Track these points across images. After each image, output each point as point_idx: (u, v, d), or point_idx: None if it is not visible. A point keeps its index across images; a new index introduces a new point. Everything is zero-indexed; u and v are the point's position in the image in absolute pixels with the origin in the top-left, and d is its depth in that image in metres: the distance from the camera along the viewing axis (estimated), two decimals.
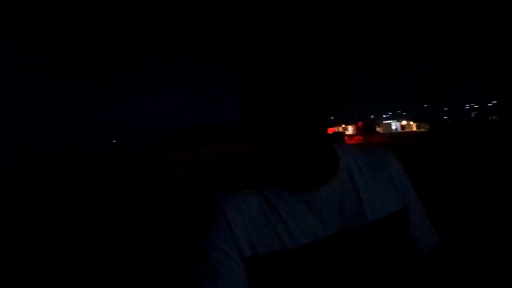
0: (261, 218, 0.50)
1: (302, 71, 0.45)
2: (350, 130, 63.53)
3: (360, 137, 38.80)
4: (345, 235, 0.50)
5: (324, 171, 0.52)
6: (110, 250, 4.05)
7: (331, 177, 0.52)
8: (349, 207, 0.52)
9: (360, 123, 63.08)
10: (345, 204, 0.52)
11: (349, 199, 0.52)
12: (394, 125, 70.04)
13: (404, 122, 71.76)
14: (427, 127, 55.30)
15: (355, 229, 0.50)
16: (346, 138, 36.21)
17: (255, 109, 0.47)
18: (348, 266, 0.49)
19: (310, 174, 0.51)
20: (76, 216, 6.66)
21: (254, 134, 0.48)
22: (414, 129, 62.44)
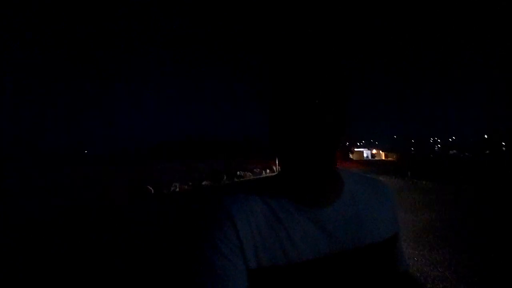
0: (266, 227, 0.50)
1: (329, 93, 0.48)
2: None
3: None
4: (347, 253, 0.51)
5: (332, 191, 0.54)
6: (110, 256, 4.05)
7: (335, 197, 0.54)
8: (350, 227, 0.53)
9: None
10: (348, 224, 0.53)
11: (351, 220, 0.54)
12: (366, 153, 74.01)
13: (374, 151, 76.22)
14: (395, 156, 58.96)
15: (355, 249, 0.52)
16: None
17: (279, 125, 0.48)
18: (349, 284, 0.50)
19: (320, 191, 0.52)
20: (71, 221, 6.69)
21: (272, 148, 0.50)
22: (383, 157, 66.13)
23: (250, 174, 19.94)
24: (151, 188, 12.21)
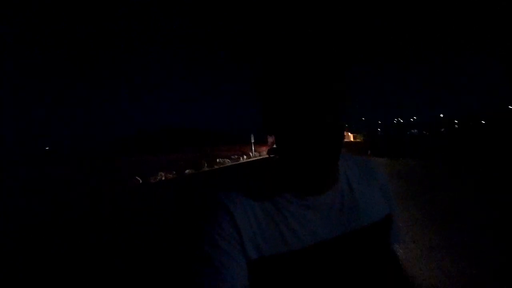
0: (265, 218, 0.50)
1: (329, 75, 0.46)
2: None
3: None
4: (347, 237, 0.52)
5: (330, 177, 0.54)
6: (107, 252, 4.03)
7: (333, 182, 0.55)
8: (348, 211, 0.54)
9: None
10: (345, 208, 0.54)
11: (348, 204, 0.55)
12: None
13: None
14: (362, 137, 62.99)
15: (355, 231, 0.53)
16: None
17: (276, 112, 0.48)
18: (351, 267, 0.51)
19: (320, 179, 0.53)
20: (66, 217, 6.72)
21: (269, 135, 0.51)
22: (352, 139, 70.17)
23: (229, 160, 21.16)
24: (139, 179, 13.04)
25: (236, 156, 22.89)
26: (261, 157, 23.70)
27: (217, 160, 20.11)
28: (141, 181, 13.01)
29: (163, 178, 14.16)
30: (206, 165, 18.35)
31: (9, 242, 5.20)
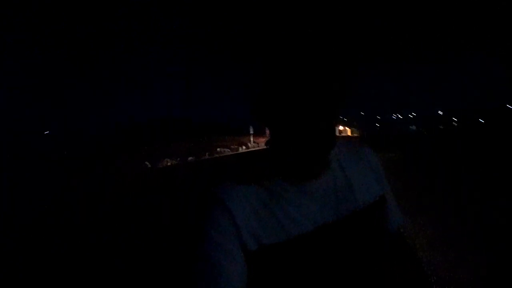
0: (262, 208, 0.51)
1: (320, 63, 0.47)
2: None
3: None
4: (343, 220, 0.53)
5: (322, 163, 0.55)
6: (105, 251, 4.03)
7: (326, 167, 0.55)
8: (342, 194, 0.54)
9: None
10: (339, 191, 0.54)
11: (342, 186, 0.55)
12: None
13: (341, 128, 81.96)
14: (359, 132, 64.60)
15: (350, 213, 0.54)
16: None
17: (269, 99, 0.49)
18: (350, 249, 0.52)
19: (314, 165, 0.53)
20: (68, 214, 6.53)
21: (262, 124, 0.51)
22: (349, 133, 71.70)
23: (229, 150, 22.71)
24: (148, 164, 14.61)
25: (235, 146, 24.42)
26: (259, 148, 25.13)
27: (217, 149, 21.67)
28: (149, 166, 14.59)
29: (169, 164, 15.73)
30: (207, 153, 19.90)
31: (20, 239, 5.04)
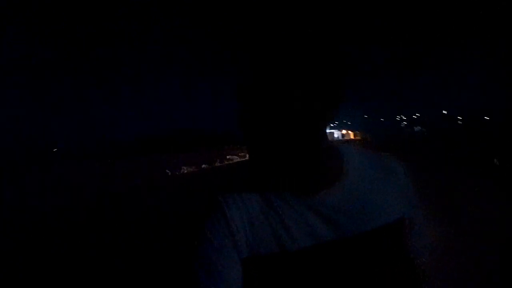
0: (260, 218, 0.49)
1: (304, 68, 0.45)
2: None
3: None
4: (350, 239, 0.49)
5: (326, 174, 0.51)
6: (106, 251, 4.05)
7: (335, 180, 0.51)
8: (355, 211, 0.50)
9: None
10: (352, 208, 0.50)
11: (356, 203, 0.51)
12: (336, 133, 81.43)
13: (344, 131, 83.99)
14: (361, 135, 66.29)
15: (359, 234, 0.49)
16: None
17: (252, 110, 0.47)
18: (347, 273, 0.48)
19: (309, 177, 0.50)
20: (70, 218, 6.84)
21: (248, 136, 0.49)
22: (352, 137, 73.30)
23: (237, 157, 24.92)
24: (168, 171, 16.85)
25: (243, 154, 26.65)
26: None
27: (227, 157, 23.92)
28: (169, 173, 16.81)
29: (185, 171, 17.95)
30: (218, 161, 22.11)
31: (31, 239, 5.14)
